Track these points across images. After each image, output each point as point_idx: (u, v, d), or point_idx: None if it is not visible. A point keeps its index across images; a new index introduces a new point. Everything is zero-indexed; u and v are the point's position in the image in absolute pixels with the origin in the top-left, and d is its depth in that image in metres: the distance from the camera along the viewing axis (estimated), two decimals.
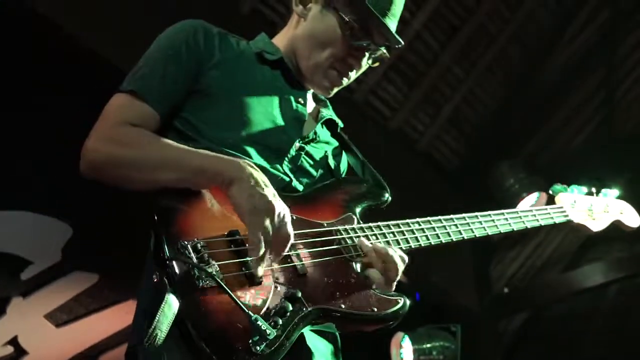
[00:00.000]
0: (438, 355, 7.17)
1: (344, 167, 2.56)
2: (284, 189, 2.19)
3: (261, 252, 1.92)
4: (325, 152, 2.47)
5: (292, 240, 2.01)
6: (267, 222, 1.94)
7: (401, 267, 2.21)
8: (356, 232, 2.24)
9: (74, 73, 4.73)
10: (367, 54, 2.45)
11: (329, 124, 2.58)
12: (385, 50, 2.48)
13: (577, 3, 7.95)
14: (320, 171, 2.41)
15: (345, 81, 2.49)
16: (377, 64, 2.53)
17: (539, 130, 8.51)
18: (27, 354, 5.55)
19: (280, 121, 2.34)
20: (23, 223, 5.28)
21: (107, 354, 5.94)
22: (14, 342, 5.46)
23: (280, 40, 2.54)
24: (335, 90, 2.51)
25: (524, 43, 7.87)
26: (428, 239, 2.35)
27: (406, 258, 2.25)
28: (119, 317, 5.87)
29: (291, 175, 2.29)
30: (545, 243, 9.44)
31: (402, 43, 2.49)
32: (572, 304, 9.61)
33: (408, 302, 2.16)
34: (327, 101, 2.63)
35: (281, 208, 1.98)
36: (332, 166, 2.48)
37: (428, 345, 7.16)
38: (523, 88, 8.05)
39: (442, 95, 7.62)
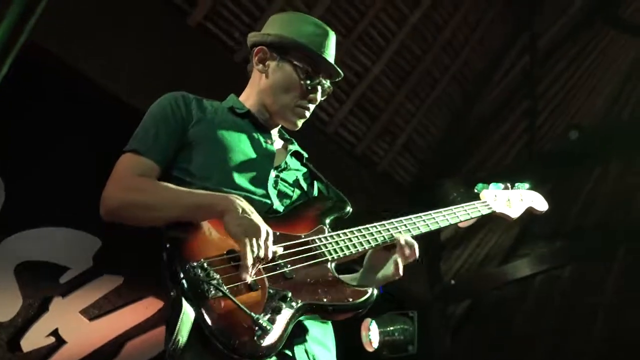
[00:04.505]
0: (399, 336, 7.21)
1: (313, 187, 2.55)
2: (267, 212, 2.19)
3: (252, 266, 1.95)
4: (297, 176, 2.48)
5: (273, 249, 2.01)
6: (254, 241, 1.96)
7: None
8: (327, 240, 2.23)
9: (106, 112, 4.81)
10: (319, 89, 2.48)
11: (297, 156, 2.59)
12: (329, 84, 2.52)
13: (503, 50, 8.09)
14: (296, 191, 2.42)
15: (307, 114, 2.51)
16: (325, 97, 2.56)
17: (475, 153, 8.56)
18: (66, 343, 5.49)
19: (256, 157, 2.36)
20: (61, 237, 5.25)
21: (131, 342, 5.88)
22: (55, 333, 5.40)
23: (247, 96, 2.56)
24: (301, 123, 2.53)
25: (461, 83, 7.97)
26: (385, 238, 2.32)
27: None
28: (140, 311, 5.84)
29: (273, 199, 2.28)
30: (483, 243, 9.41)
31: (342, 75, 2.56)
32: (505, 292, 9.53)
33: (376, 291, 2.17)
34: (292, 139, 2.64)
35: (264, 228, 2.00)
36: (305, 187, 2.48)
37: (391, 328, 7.21)
38: (462, 119, 8.13)
39: (397, 126, 7.66)
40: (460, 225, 2.77)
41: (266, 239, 2.00)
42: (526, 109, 8.68)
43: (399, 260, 2.30)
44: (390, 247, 2.34)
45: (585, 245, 8.58)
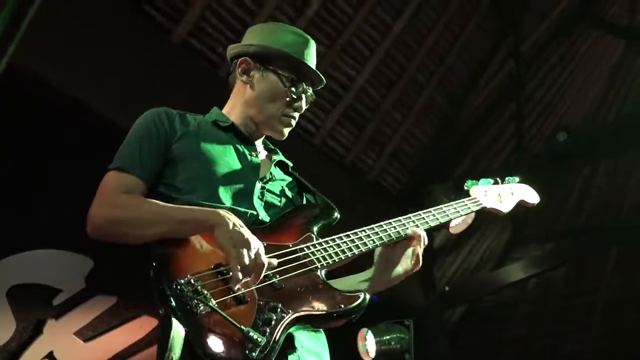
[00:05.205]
0: (395, 345, 7.15)
1: (301, 196, 2.53)
2: (253, 223, 2.18)
3: (242, 279, 1.93)
4: (282, 186, 2.46)
5: (266, 266, 1.99)
6: (246, 254, 1.94)
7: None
8: (316, 247, 2.21)
9: (92, 130, 4.82)
10: (304, 97, 2.49)
11: (281, 166, 2.57)
12: (312, 92, 2.53)
13: (488, 54, 8.15)
14: (283, 200, 2.41)
15: (294, 122, 2.51)
16: (308, 106, 2.56)
17: (464, 158, 8.59)
18: None
19: (241, 170, 2.35)
20: (53, 259, 5.21)
21: None
22: (50, 356, 5.34)
23: (231, 108, 2.56)
24: (287, 132, 2.53)
25: (447, 89, 8.01)
26: (374, 242, 2.30)
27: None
28: (134, 330, 5.79)
29: (259, 210, 2.27)
30: (475, 249, 9.42)
31: (325, 82, 2.57)
32: (499, 297, 9.61)
33: (368, 296, 2.15)
34: (277, 149, 2.63)
35: (255, 242, 1.99)
36: (290, 196, 2.46)
37: (387, 337, 7.14)
38: (449, 125, 8.18)
39: (385, 135, 7.71)
40: (452, 230, 2.76)
41: (257, 252, 1.98)
42: (514, 112, 8.74)
43: (419, 251, 2.36)
44: (395, 243, 2.34)
45: (577, 246, 8.64)
